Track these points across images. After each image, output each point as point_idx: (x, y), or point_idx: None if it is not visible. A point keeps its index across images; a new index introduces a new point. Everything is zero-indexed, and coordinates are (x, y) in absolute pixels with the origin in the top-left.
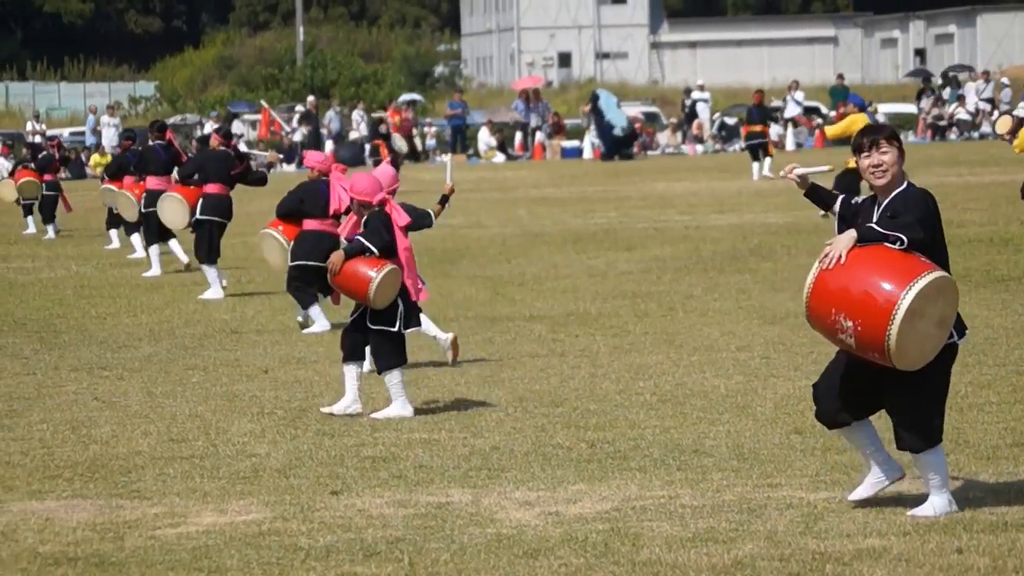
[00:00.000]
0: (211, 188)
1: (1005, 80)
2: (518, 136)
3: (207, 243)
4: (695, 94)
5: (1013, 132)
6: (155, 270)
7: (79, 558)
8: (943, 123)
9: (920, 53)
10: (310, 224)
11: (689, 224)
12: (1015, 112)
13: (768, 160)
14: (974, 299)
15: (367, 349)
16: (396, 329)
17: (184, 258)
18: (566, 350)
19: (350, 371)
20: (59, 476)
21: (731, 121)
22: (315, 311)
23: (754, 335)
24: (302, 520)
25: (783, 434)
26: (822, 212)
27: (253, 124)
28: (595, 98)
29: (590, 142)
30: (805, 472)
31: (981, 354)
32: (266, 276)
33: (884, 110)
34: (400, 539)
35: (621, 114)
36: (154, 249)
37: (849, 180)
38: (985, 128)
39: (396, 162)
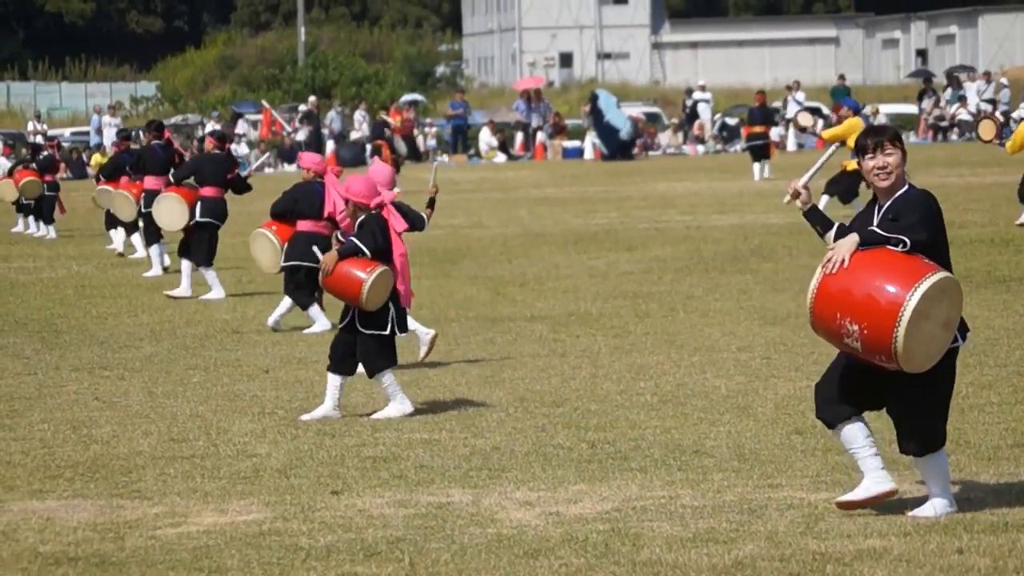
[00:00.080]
0: (208, 191)
1: (1004, 80)
2: (519, 136)
3: (207, 246)
4: (696, 94)
5: (998, 136)
6: (156, 270)
7: (80, 558)
8: (944, 124)
9: (921, 54)
10: (304, 225)
11: (690, 224)
12: (1014, 114)
13: (767, 162)
14: (975, 300)
15: (357, 363)
16: (387, 333)
17: (120, 247)
18: (567, 350)
19: (333, 380)
20: (60, 476)
21: (732, 122)
22: (314, 311)
23: (755, 336)
24: (303, 520)
25: (784, 435)
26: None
27: (255, 124)
28: (594, 98)
29: (591, 142)
30: (806, 473)
31: (982, 355)
32: (267, 276)
33: (885, 111)
34: (401, 539)
35: (621, 114)
36: (154, 249)
37: (849, 182)
38: None
39: (397, 163)
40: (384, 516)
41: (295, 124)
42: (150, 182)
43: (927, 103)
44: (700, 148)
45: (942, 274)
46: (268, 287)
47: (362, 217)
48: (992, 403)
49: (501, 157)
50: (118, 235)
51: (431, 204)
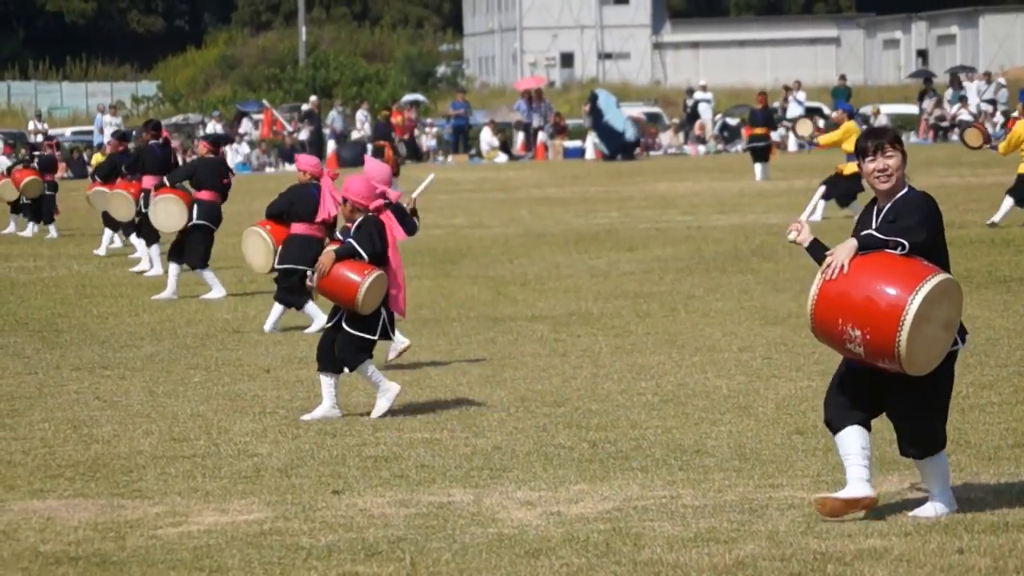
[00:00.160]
0: (204, 195)
1: (1002, 80)
2: (520, 136)
3: (202, 248)
4: (697, 94)
5: (987, 141)
6: (157, 269)
7: (80, 557)
8: (945, 124)
9: (922, 54)
10: (298, 228)
11: (691, 224)
12: (1013, 114)
13: (767, 163)
14: (976, 300)
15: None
16: (373, 337)
17: (103, 252)
18: (568, 350)
19: (326, 379)
20: (60, 475)
21: (733, 122)
22: (311, 308)
23: (756, 335)
24: (304, 520)
25: (785, 434)
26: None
27: (258, 124)
28: (594, 98)
29: (592, 142)
30: (807, 472)
31: (983, 355)
32: (267, 276)
33: (886, 111)
34: (402, 539)
35: (620, 114)
36: (155, 249)
37: (847, 185)
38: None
39: (398, 164)
40: (385, 516)
41: (296, 124)
42: (148, 181)
43: (928, 103)
44: (701, 148)
45: (943, 276)
46: (270, 287)
47: (360, 218)
48: (993, 403)
49: (502, 157)
50: (105, 237)
51: (414, 213)
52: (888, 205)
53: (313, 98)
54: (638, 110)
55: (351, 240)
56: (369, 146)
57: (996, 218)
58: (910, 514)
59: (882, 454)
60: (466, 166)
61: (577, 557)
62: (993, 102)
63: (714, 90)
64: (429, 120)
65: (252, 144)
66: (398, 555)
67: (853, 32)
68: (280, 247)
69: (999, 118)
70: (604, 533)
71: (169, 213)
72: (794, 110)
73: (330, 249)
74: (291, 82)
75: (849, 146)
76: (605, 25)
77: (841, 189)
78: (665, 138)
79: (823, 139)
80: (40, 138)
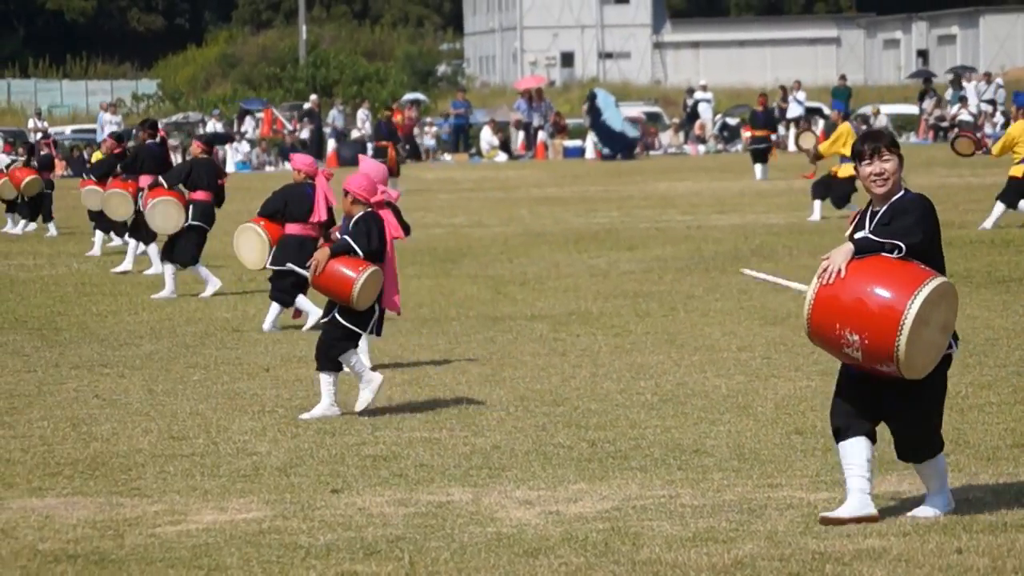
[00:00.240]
0: (199, 195)
1: (999, 81)
2: (520, 135)
3: (194, 246)
4: (697, 94)
5: (978, 147)
6: (156, 267)
7: (79, 555)
8: (945, 124)
9: (923, 54)
10: (293, 228)
11: (691, 224)
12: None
13: (765, 164)
14: (975, 300)
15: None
16: (363, 332)
17: (98, 252)
18: (567, 349)
19: (326, 378)
20: (59, 473)
21: (733, 121)
22: (303, 302)
23: (755, 335)
24: (302, 518)
25: (784, 434)
26: None
27: (259, 123)
28: (592, 97)
29: (592, 142)
30: (805, 472)
31: (982, 355)
32: (266, 274)
33: (886, 111)
34: (400, 538)
35: (618, 113)
36: (153, 247)
37: (842, 187)
38: (987, 129)
39: (399, 163)
40: (384, 515)
41: (296, 123)
42: (145, 181)
43: (928, 104)
44: (701, 148)
45: (940, 279)
46: (268, 286)
47: (359, 214)
48: (991, 403)
49: (502, 156)
50: (97, 238)
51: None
52: (884, 208)
53: (313, 97)
54: (638, 110)
55: (346, 236)
56: (369, 145)
57: (987, 224)
58: (909, 514)
59: (881, 454)
60: (466, 165)
61: (576, 556)
62: (993, 102)
63: (714, 90)
64: (428, 119)
65: (252, 143)
66: (397, 554)
67: (853, 32)
68: (275, 248)
69: (999, 118)
70: (603, 532)
71: (167, 216)
72: (794, 110)
73: (325, 246)
74: (291, 81)
75: (843, 148)
76: (605, 24)
77: (836, 191)
78: (665, 138)
79: (823, 147)
80: (39, 136)
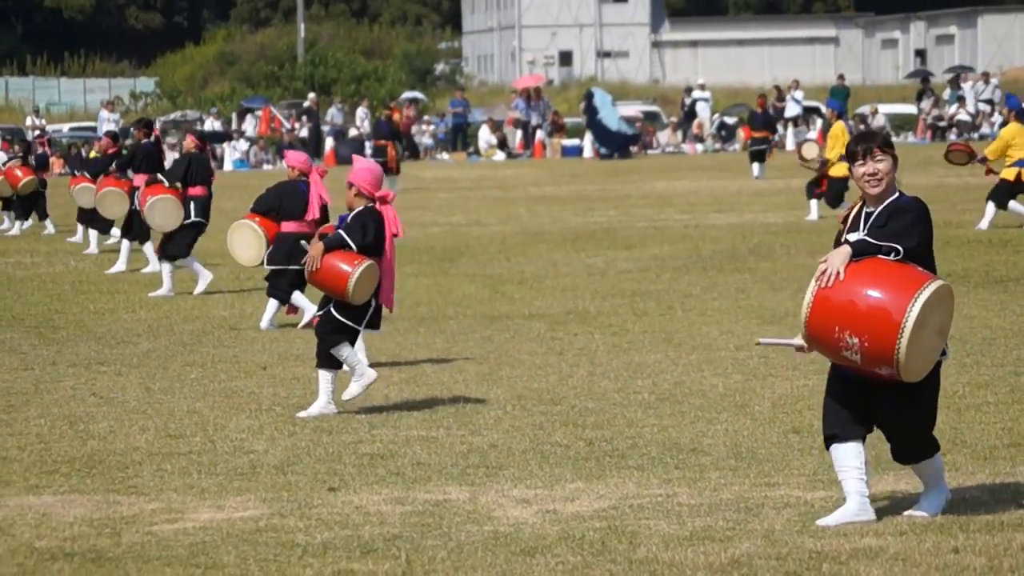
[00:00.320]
0: (197, 191)
1: (995, 81)
2: (518, 134)
3: (189, 241)
4: (695, 93)
5: (972, 157)
6: (153, 265)
7: (75, 553)
8: (943, 124)
9: (921, 54)
10: (288, 227)
11: (688, 223)
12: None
13: (762, 164)
14: (973, 300)
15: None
16: (358, 327)
17: (95, 250)
18: (565, 348)
19: (324, 375)
20: (56, 471)
21: (731, 121)
22: (299, 298)
23: (753, 334)
24: (299, 517)
25: (781, 433)
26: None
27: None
28: (589, 96)
29: (590, 141)
30: (802, 471)
31: (979, 354)
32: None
33: (884, 111)
34: (397, 536)
35: (614, 112)
36: (148, 246)
37: (835, 186)
38: (984, 129)
39: (399, 162)
40: (381, 513)
41: (294, 121)
42: (140, 180)
43: (926, 103)
44: (699, 147)
45: (939, 282)
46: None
47: (360, 208)
48: (988, 403)
49: (500, 155)
50: (92, 235)
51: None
52: (878, 210)
53: (312, 95)
54: (636, 108)
55: (340, 231)
56: (368, 144)
57: (983, 225)
58: (905, 513)
59: (878, 453)
60: (464, 164)
61: (573, 555)
62: (991, 102)
63: (712, 89)
64: (426, 117)
65: (250, 141)
66: (394, 553)
67: (852, 32)
68: (271, 247)
69: (997, 118)
70: (600, 531)
71: (167, 214)
72: (792, 109)
73: (319, 240)
74: (290, 79)
75: (841, 148)
76: (604, 23)
77: (831, 191)
78: (663, 137)
79: (829, 154)
80: (36, 134)
